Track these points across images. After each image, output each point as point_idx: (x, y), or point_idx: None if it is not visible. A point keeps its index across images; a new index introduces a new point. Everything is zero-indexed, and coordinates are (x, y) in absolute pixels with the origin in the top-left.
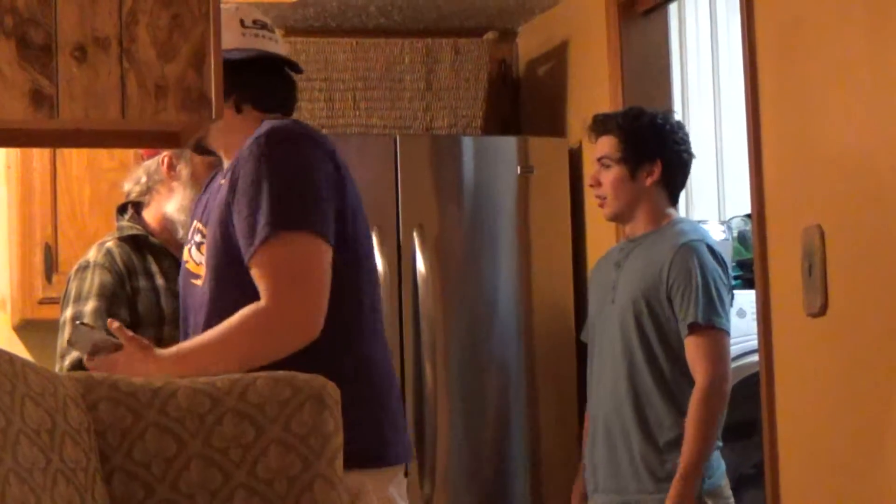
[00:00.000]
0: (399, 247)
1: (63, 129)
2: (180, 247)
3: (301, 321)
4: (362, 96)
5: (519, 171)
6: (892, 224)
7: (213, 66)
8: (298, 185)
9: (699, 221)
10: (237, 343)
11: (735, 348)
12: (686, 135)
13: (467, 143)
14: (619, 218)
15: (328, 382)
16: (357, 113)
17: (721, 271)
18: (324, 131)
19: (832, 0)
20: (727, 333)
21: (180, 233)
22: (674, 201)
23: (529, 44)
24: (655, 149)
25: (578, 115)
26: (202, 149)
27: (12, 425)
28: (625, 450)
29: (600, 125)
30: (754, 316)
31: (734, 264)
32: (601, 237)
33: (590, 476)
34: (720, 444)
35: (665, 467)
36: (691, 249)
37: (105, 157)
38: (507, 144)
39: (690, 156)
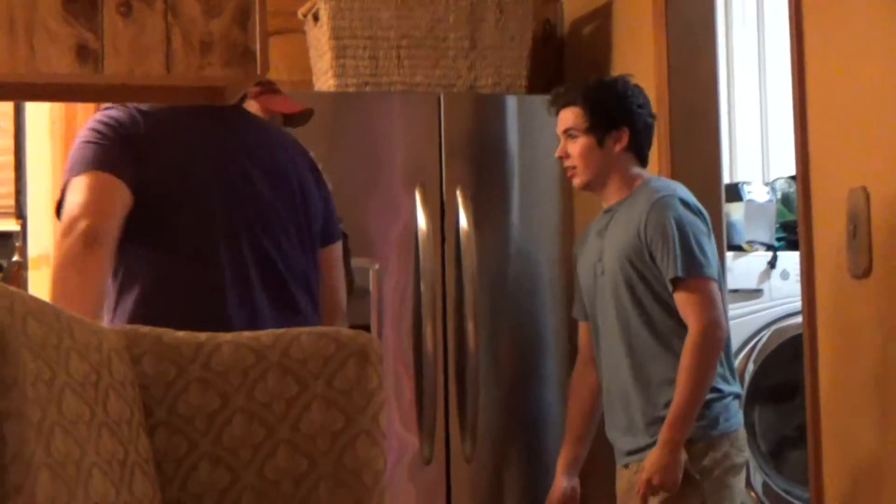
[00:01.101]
0: (442, 205)
1: (108, 83)
2: None
3: None
4: (406, 54)
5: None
6: None
7: (257, 22)
8: None
9: (742, 183)
10: None
11: (778, 309)
12: (646, 98)
13: (511, 102)
14: (591, 186)
15: (372, 338)
16: (401, 71)
17: (698, 220)
18: (367, 89)
19: None
20: (713, 279)
21: None
22: (643, 163)
23: (574, 4)
24: (621, 116)
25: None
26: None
27: (57, 378)
28: (640, 415)
29: (562, 98)
30: (797, 278)
31: (778, 225)
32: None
33: (616, 450)
34: (740, 391)
35: (656, 400)
36: (663, 205)
37: None
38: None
39: (653, 118)
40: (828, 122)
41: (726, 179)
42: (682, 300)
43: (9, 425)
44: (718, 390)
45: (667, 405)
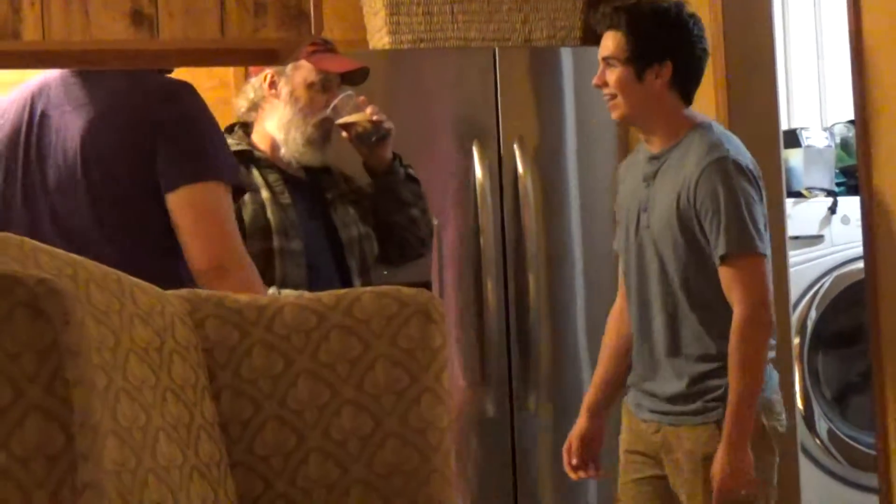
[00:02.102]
0: (500, 159)
1: (163, 48)
2: (283, 161)
3: None
4: (460, 9)
5: None
6: None
7: None
8: None
9: (801, 129)
10: None
11: (839, 255)
12: (701, 30)
13: (566, 54)
14: (631, 120)
15: (434, 296)
16: (455, 26)
17: (752, 188)
18: (422, 45)
19: None
20: (763, 256)
21: (282, 150)
22: (688, 102)
23: None
24: (666, 47)
25: None
26: None
27: (121, 345)
28: (664, 381)
29: (606, 19)
30: (858, 223)
31: (837, 171)
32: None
33: (632, 399)
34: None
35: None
36: (716, 170)
37: (205, 76)
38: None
39: (706, 52)
40: (886, 65)
41: (784, 125)
42: (728, 277)
43: (75, 393)
44: None
45: (692, 381)
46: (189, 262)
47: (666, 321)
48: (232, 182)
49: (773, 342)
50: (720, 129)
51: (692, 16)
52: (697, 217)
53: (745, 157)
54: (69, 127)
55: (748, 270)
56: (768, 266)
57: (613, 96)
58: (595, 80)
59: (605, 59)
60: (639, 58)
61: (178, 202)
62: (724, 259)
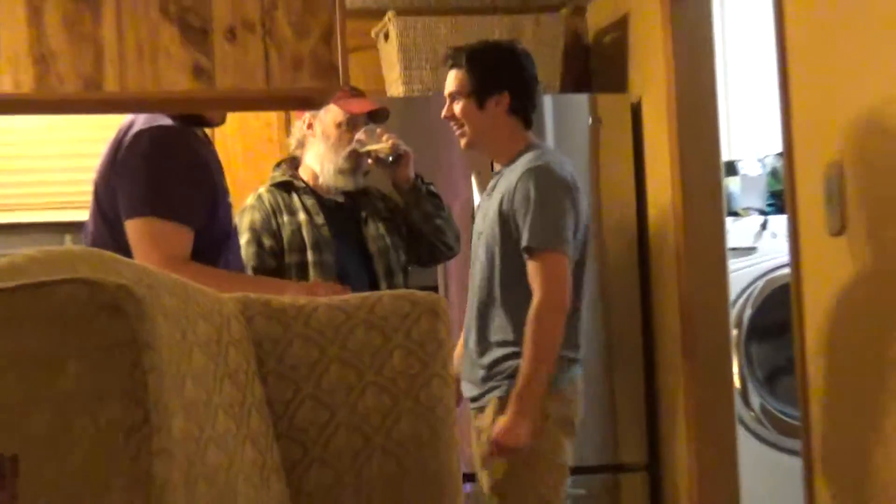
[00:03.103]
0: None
1: (218, 96)
2: (324, 188)
3: None
4: None
5: (590, 123)
6: None
7: (338, 42)
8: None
9: (736, 161)
10: None
11: (769, 263)
12: (531, 63)
13: (547, 100)
14: (475, 146)
15: (441, 298)
16: None
17: (563, 196)
18: (430, 94)
19: None
20: (563, 253)
21: (320, 178)
22: (527, 125)
23: (597, 17)
24: (501, 80)
25: (638, 77)
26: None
27: (187, 339)
28: (475, 367)
29: (450, 59)
30: (785, 237)
31: (768, 194)
32: (659, 174)
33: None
34: (573, 356)
35: (483, 359)
36: (532, 175)
37: (253, 119)
38: (580, 100)
39: (536, 81)
40: (808, 107)
41: (725, 157)
42: (531, 270)
43: (150, 378)
44: None
45: (491, 364)
46: None
47: (479, 315)
48: (165, 218)
49: (579, 355)
50: (549, 148)
51: (524, 51)
52: (514, 217)
53: (564, 170)
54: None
55: (549, 263)
56: (566, 263)
57: (461, 125)
58: (443, 114)
59: (450, 94)
60: (479, 90)
61: (127, 231)
62: (528, 252)
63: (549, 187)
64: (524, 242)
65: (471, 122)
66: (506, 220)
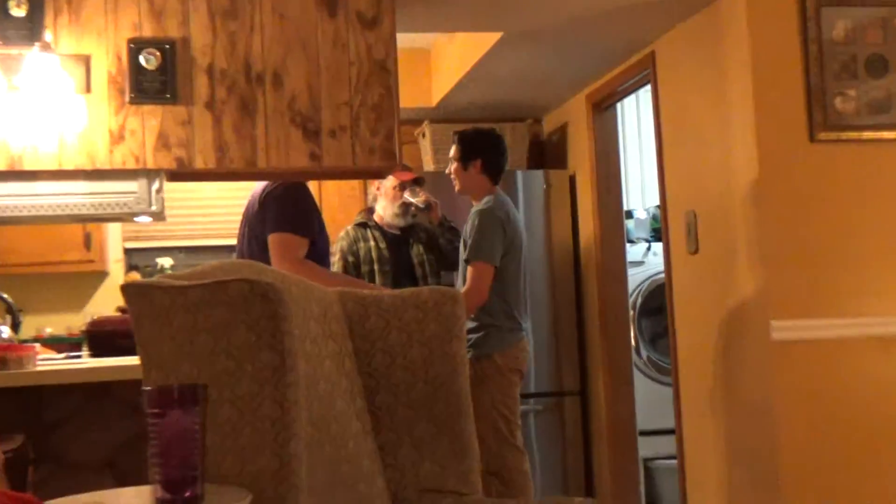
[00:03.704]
0: None
1: (324, 170)
2: (386, 226)
3: None
4: None
5: (544, 187)
6: (730, 208)
7: (396, 138)
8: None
9: (632, 209)
10: None
11: (653, 270)
12: (499, 142)
13: (518, 173)
14: (463, 192)
15: (458, 291)
16: None
17: (496, 227)
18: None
19: (697, 97)
20: (488, 264)
21: (384, 220)
22: (496, 181)
23: (548, 125)
24: (475, 151)
25: (573, 160)
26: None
27: (306, 314)
28: None
29: (454, 137)
30: (661, 255)
31: (651, 229)
32: (586, 217)
33: None
34: (513, 325)
35: None
36: (477, 213)
37: (344, 185)
38: (538, 174)
39: (502, 154)
40: (674, 177)
41: (625, 207)
42: (468, 272)
43: (285, 338)
44: (496, 325)
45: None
46: None
47: None
48: (293, 232)
49: (520, 325)
50: (503, 197)
51: (495, 134)
52: (466, 240)
53: (502, 211)
54: (248, 202)
55: (477, 269)
56: (488, 269)
57: (455, 178)
58: (447, 170)
59: (451, 158)
60: (463, 157)
61: (269, 243)
62: (467, 261)
63: (484, 221)
64: (464, 256)
65: (458, 177)
66: (464, 243)
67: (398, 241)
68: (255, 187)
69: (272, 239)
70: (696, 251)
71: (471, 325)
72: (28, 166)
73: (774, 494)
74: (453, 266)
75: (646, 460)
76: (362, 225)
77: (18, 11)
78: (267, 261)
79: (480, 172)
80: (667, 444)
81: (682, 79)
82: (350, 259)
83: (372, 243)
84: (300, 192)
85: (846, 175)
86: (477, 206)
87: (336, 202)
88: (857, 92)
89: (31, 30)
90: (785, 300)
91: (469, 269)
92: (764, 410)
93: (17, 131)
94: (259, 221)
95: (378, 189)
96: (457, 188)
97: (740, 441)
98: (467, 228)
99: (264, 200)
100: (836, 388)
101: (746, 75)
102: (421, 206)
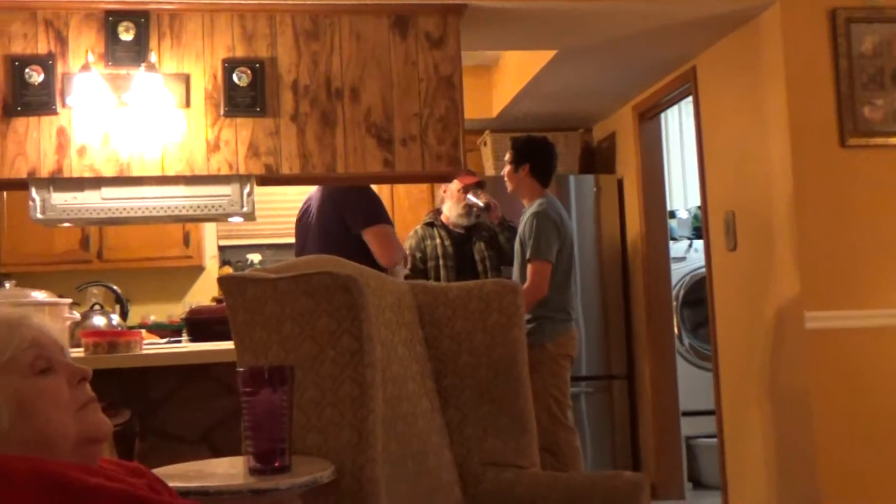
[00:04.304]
0: None
1: (397, 175)
2: (451, 225)
3: None
4: None
5: (594, 190)
6: (766, 208)
7: (461, 146)
8: None
9: (672, 210)
10: None
11: (694, 265)
12: (548, 149)
13: (571, 178)
14: (514, 193)
15: (518, 283)
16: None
17: (550, 227)
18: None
19: (735, 106)
20: (547, 262)
21: (450, 220)
22: (545, 184)
23: (598, 133)
24: (525, 157)
25: (621, 165)
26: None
27: (381, 304)
28: None
29: (510, 143)
30: (702, 252)
31: (693, 228)
32: (632, 218)
33: None
34: (564, 317)
35: None
36: (534, 215)
37: (414, 188)
38: (589, 178)
39: (553, 159)
40: (716, 179)
41: (668, 207)
42: (529, 270)
43: (363, 325)
44: (548, 317)
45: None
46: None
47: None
48: (386, 223)
49: (570, 316)
50: (553, 199)
51: (546, 143)
52: (523, 239)
53: (555, 212)
54: (317, 205)
55: (536, 267)
56: (547, 266)
57: (508, 180)
58: (502, 173)
59: (505, 161)
60: (515, 161)
61: (367, 238)
62: (528, 261)
63: (540, 222)
64: (527, 256)
65: (510, 179)
66: (522, 242)
67: (462, 239)
68: (311, 192)
69: (372, 231)
70: (734, 248)
71: (526, 316)
72: (135, 173)
73: (811, 473)
74: (512, 262)
75: (688, 438)
76: (430, 224)
77: (127, 36)
78: (341, 255)
79: (529, 175)
80: (708, 424)
81: (721, 90)
82: (418, 255)
83: (438, 241)
84: (371, 191)
85: (875, 177)
86: (531, 209)
87: (406, 204)
88: (885, 101)
89: (137, 52)
90: (818, 293)
91: (529, 267)
92: (799, 395)
93: (126, 142)
94: (332, 219)
95: (444, 192)
96: (509, 189)
97: (777, 422)
98: (524, 229)
99: (341, 203)
100: (867, 375)
101: (781, 87)
102: (482, 206)
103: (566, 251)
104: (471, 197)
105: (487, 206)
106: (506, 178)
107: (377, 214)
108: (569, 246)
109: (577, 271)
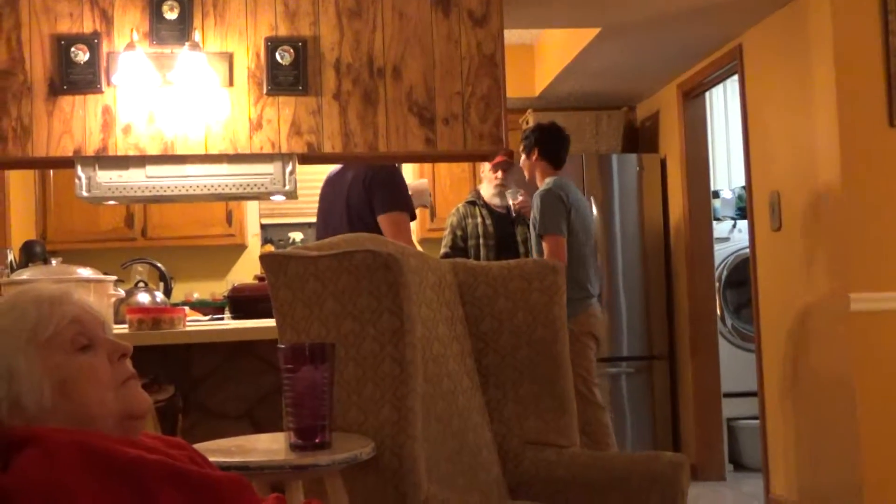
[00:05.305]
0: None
1: (439, 154)
2: (492, 204)
3: None
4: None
5: (637, 170)
6: (812, 188)
7: (503, 125)
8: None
9: (719, 189)
10: None
11: (738, 245)
12: (556, 135)
13: (613, 158)
14: (530, 177)
15: (559, 263)
16: None
17: (558, 205)
18: None
19: (781, 85)
20: (557, 235)
21: (488, 198)
22: (556, 166)
23: (641, 112)
24: (533, 142)
25: (664, 144)
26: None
27: (422, 282)
28: None
29: (523, 131)
30: (746, 232)
31: (737, 208)
32: (675, 197)
33: None
34: (586, 294)
35: None
36: (538, 195)
37: (455, 167)
38: (632, 158)
39: (560, 141)
40: (760, 159)
41: (712, 187)
42: (544, 248)
43: (404, 304)
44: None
45: None
46: None
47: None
48: (404, 211)
49: (590, 293)
50: (563, 179)
51: (554, 128)
52: (534, 221)
53: (560, 189)
54: (345, 184)
55: (549, 242)
56: (558, 240)
57: (524, 167)
58: (520, 164)
59: (520, 151)
60: (526, 148)
61: (381, 222)
62: (540, 236)
63: (547, 200)
64: (538, 231)
65: (526, 168)
66: (532, 224)
67: (503, 219)
68: (345, 174)
69: (388, 217)
70: (779, 228)
71: None
72: (179, 151)
73: (853, 458)
74: None
75: (729, 420)
76: (472, 203)
77: (171, 14)
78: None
79: (540, 159)
80: (749, 406)
81: (767, 69)
82: (458, 233)
83: (479, 220)
84: (402, 177)
85: None
86: (538, 191)
87: (448, 182)
88: None
89: (181, 31)
90: (864, 274)
91: (543, 244)
92: (843, 378)
93: (170, 120)
94: (361, 201)
95: (483, 171)
96: (527, 177)
97: (820, 405)
98: (533, 212)
99: (370, 184)
100: None
101: (829, 65)
102: (514, 208)
103: (578, 226)
104: (509, 197)
105: (518, 213)
106: (523, 168)
107: (397, 201)
108: (581, 221)
109: (618, 251)
